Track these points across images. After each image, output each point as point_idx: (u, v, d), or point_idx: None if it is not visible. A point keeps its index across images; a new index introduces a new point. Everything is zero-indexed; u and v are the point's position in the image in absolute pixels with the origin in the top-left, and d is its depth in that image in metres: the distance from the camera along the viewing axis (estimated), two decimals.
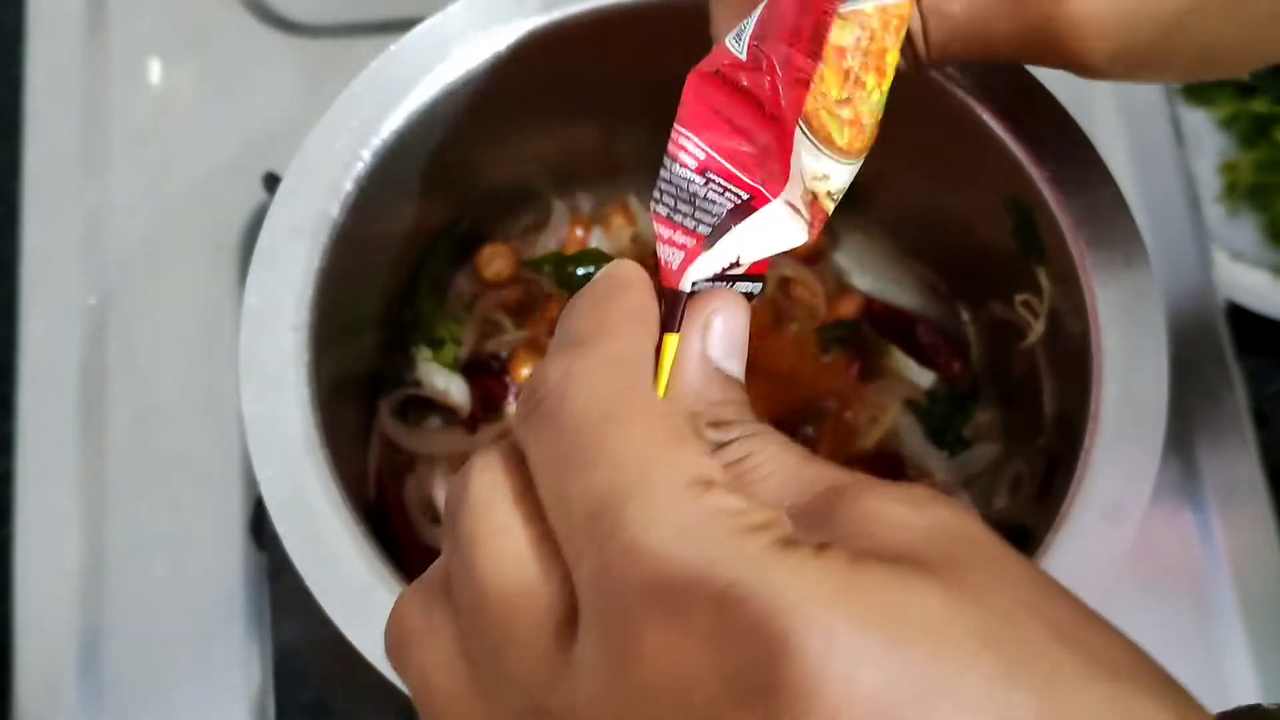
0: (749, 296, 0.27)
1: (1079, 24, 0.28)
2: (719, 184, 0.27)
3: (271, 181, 0.56)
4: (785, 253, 0.28)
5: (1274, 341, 0.60)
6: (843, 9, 0.25)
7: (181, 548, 0.53)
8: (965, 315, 0.52)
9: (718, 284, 0.27)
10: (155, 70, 0.62)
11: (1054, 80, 0.41)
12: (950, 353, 0.52)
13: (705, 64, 0.28)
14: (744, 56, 0.27)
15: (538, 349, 0.51)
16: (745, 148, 0.27)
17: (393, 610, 0.25)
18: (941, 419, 0.51)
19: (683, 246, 0.27)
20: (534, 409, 0.23)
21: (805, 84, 0.25)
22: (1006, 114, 0.41)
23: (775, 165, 0.26)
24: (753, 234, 0.27)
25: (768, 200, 0.27)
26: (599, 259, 0.50)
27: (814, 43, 0.25)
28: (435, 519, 0.50)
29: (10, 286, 0.57)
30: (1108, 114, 0.61)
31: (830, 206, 0.27)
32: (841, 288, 0.53)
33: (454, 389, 0.51)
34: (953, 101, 0.41)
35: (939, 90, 0.41)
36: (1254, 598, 0.53)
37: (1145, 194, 0.59)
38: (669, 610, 0.19)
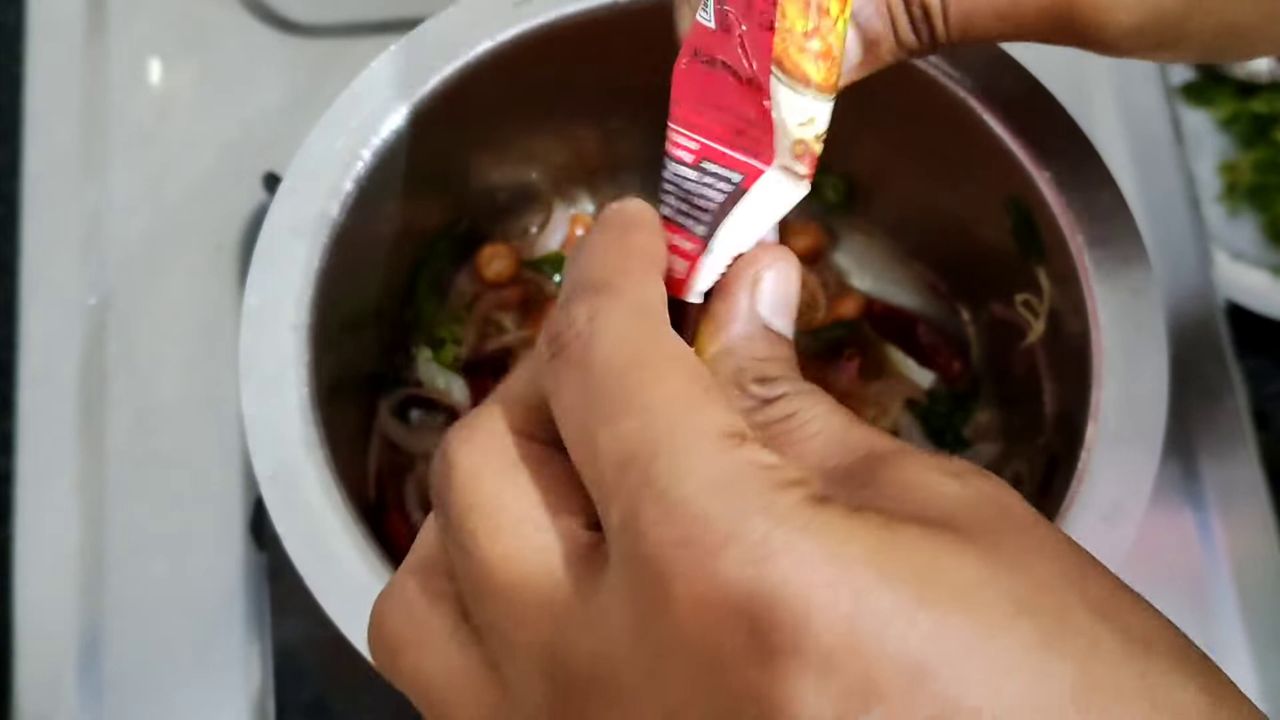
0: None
1: (1104, 5, 0.28)
2: (713, 173, 0.27)
3: (271, 181, 0.56)
4: None
5: (1274, 341, 0.60)
6: None
7: (181, 548, 0.53)
8: (965, 315, 0.52)
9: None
10: (155, 70, 0.62)
11: (1054, 80, 0.41)
12: (950, 353, 0.52)
13: (681, 55, 0.28)
14: (713, 23, 0.27)
15: None
16: (733, 122, 0.27)
17: (371, 619, 0.24)
18: (941, 419, 0.51)
19: (687, 255, 0.27)
20: (558, 352, 0.22)
21: (771, 26, 0.25)
22: (1006, 114, 0.41)
23: (763, 132, 0.26)
24: (746, 219, 0.26)
25: (760, 172, 0.26)
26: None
27: None
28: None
29: (10, 286, 0.57)
30: (1108, 114, 0.61)
31: (819, 147, 0.27)
32: (841, 288, 0.53)
33: (454, 389, 0.51)
34: (953, 101, 0.41)
35: (939, 90, 0.41)
36: (1254, 598, 0.53)
37: (1145, 194, 0.59)
38: (698, 564, 0.19)
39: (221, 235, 0.58)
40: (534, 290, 0.52)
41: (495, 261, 0.52)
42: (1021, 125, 0.41)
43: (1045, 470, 0.44)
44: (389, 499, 0.50)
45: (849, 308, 0.52)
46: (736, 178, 0.27)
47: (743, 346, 0.25)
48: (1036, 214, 0.41)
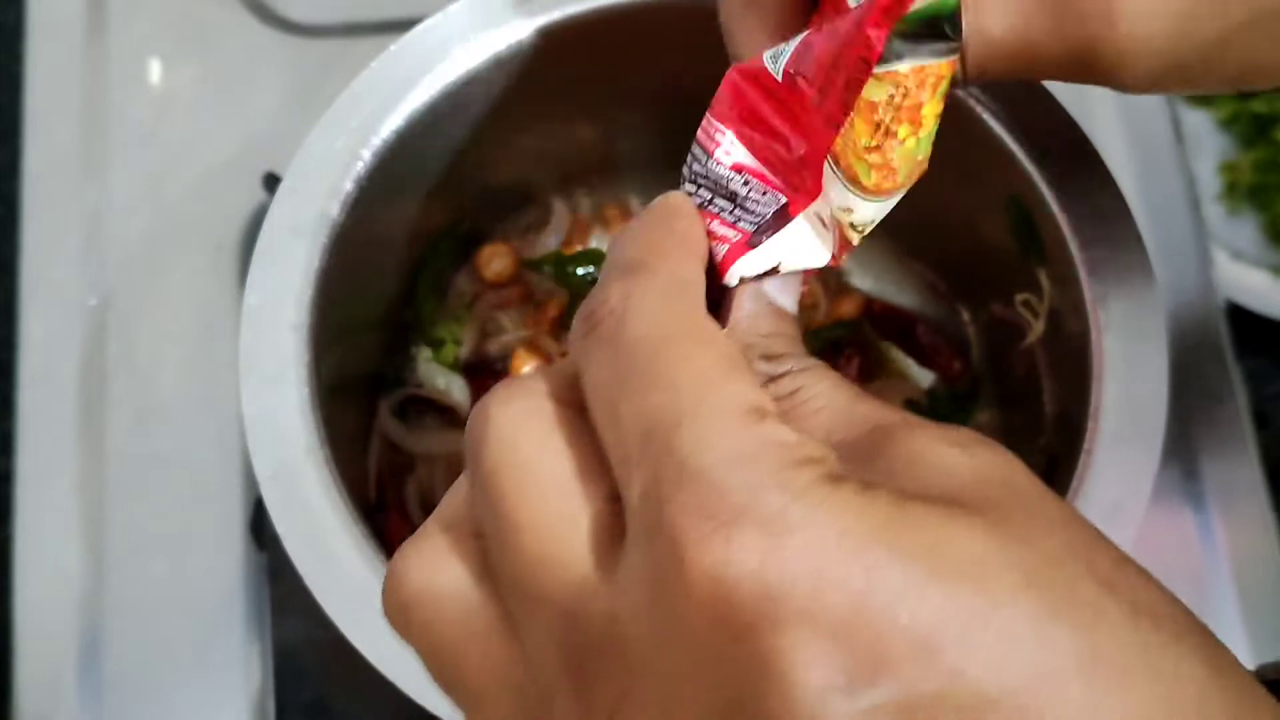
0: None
1: (1125, 48, 0.28)
2: (757, 186, 0.27)
3: (271, 181, 0.56)
4: None
5: (1274, 341, 0.60)
6: (878, 70, 0.24)
7: (181, 548, 0.53)
8: (965, 315, 0.52)
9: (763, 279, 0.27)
10: (155, 70, 0.62)
11: (1054, 81, 0.41)
12: (950, 353, 0.52)
13: (743, 69, 0.28)
14: (779, 78, 0.27)
15: (538, 349, 0.51)
16: (781, 153, 0.27)
17: (389, 573, 0.24)
18: (941, 419, 0.51)
19: (724, 239, 0.27)
20: (591, 330, 0.23)
21: (836, 128, 0.25)
22: (1006, 114, 0.41)
23: (808, 177, 0.26)
24: (789, 241, 0.27)
25: (800, 209, 0.27)
26: (599, 259, 0.50)
27: (847, 96, 0.25)
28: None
29: (10, 286, 0.57)
30: (1108, 114, 0.61)
31: (855, 239, 0.27)
32: (841, 288, 0.53)
33: (454, 389, 0.51)
34: (953, 101, 0.41)
35: None
36: (1254, 598, 0.53)
37: (1145, 194, 0.59)
38: (715, 534, 0.19)
39: (221, 235, 0.58)
40: (533, 290, 0.52)
41: (495, 261, 0.52)
42: (1021, 125, 0.41)
43: (1045, 470, 0.44)
44: (389, 499, 0.50)
45: (849, 308, 0.52)
46: (783, 200, 0.27)
47: (748, 323, 0.26)
48: (1036, 214, 0.41)
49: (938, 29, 0.24)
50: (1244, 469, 0.55)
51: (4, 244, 0.58)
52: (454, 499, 0.25)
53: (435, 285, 0.51)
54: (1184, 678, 0.19)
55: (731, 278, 0.26)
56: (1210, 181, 0.62)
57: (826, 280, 0.53)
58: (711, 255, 0.27)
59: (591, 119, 0.50)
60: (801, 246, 0.27)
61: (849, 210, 0.26)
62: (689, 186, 0.28)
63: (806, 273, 0.27)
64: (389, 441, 0.50)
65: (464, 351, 0.51)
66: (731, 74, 0.28)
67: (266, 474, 0.37)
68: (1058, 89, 0.41)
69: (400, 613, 0.24)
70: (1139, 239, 0.40)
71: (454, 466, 0.50)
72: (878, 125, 0.25)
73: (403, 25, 0.43)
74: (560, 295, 0.52)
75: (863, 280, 0.53)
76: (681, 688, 0.20)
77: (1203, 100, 0.64)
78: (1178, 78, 0.29)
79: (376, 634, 0.35)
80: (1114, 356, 0.39)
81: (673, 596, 0.20)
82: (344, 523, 0.37)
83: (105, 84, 0.61)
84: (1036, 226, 0.41)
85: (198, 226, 0.58)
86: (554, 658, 0.22)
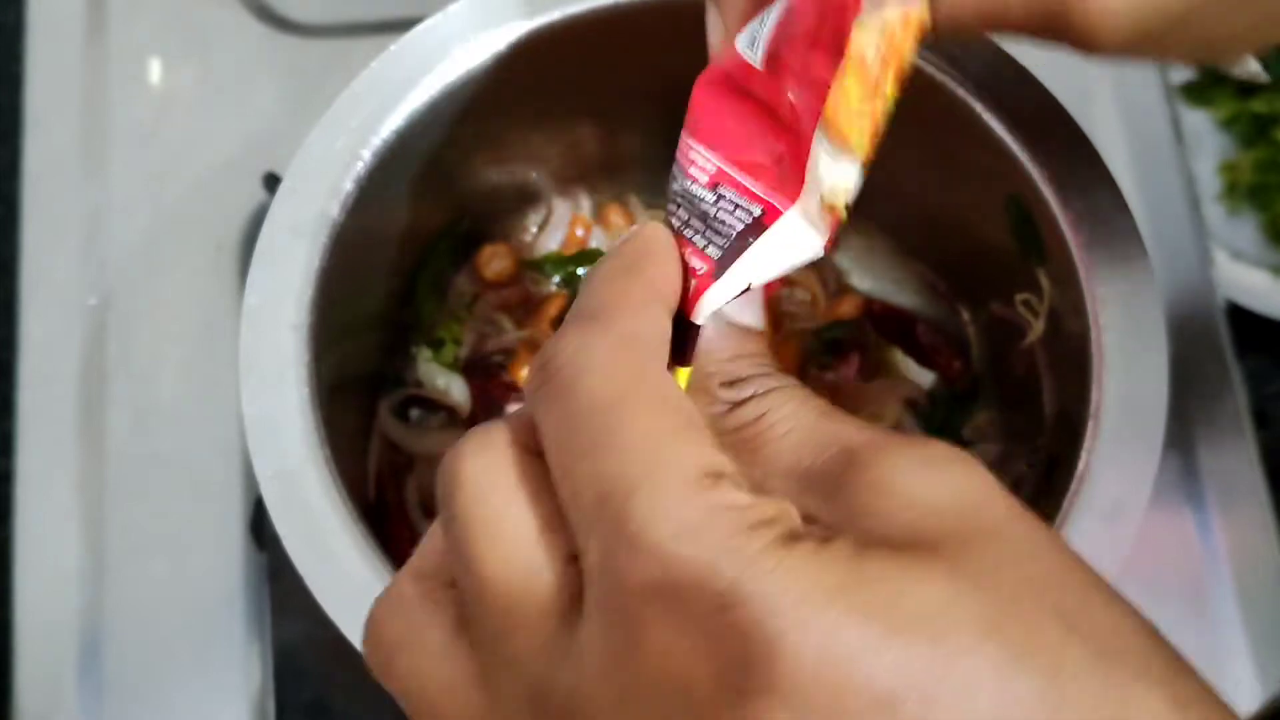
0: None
1: (1092, 7, 0.28)
2: (730, 200, 0.26)
3: (271, 181, 0.56)
4: None
5: (1274, 341, 0.60)
6: (863, 16, 0.24)
7: (181, 548, 0.53)
8: (965, 315, 0.52)
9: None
10: (155, 70, 0.62)
11: (1054, 81, 0.41)
12: (950, 353, 0.52)
13: (711, 71, 0.27)
14: (759, 64, 0.26)
15: (538, 349, 0.51)
16: (758, 156, 0.26)
17: (369, 620, 0.24)
18: (941, 419, 0.51)
19: (694, 272, 0.26)
20: (546, 381, 0.23)
21: (825, 88, 0.25)
22: (1006, 114, 0.41)
23: (790, 175, 0.26)
24: (765, 254, 0.26)
25: (780, 213, 0.26)
26: (599, 259, 0.50)
27: (834, 48, 0.25)
28: (435, 518, 0.50)
29: (10, 286, 0.57)
30: (1108, 114, 0.61)
31: (845, 214, 0.27)
32: (841, 288, 0.53)
33: (454, 389, 0.51)
34: (953, 101, 0.41)
35: (939, 90, 0.41)
36: (1254, 598, 0.53)
37: (1145, 194, 0.59)
38: (670, 608, 0.19)
39: (221, 235, 0.58)
40: (533, 290, 0.52)
41: (495, 261, 0.52)
42: (1021, 125, 0.41)
43: (1045, 470, 0.44)
44: (389, 499, 0.50)
45: (849, 308, 0.52)
46: (757, 210, 0.26)
47: (707, 348, 0.25)
48: (1036, 214, 0.41)
49: None
50: (1244, 469, 0.55)
51: (4, 244, 0.58)
52: (426, 548, 0.25)
53: (435, 285, 0.51)
54: (1149, 715, 0.19)
55: (700, 315, 0.26)
56: (1210, 181, 0.62)
57: (826, 280, 0.53)
58: (686, 290, 0.26)
59: (591, 119, 0.50)
60: (785, 248, 0.26)
61: (843, 183, 0.26)
62: (671, 206, 0.27)
63: (767, 284, 0.27)
64: (389, 441, 0.50)
65: (464, 351, 0.51)
66: (698, 85, 0.27)
67: (266, 474, 0.37)
68: (1057, 89, 0.41)
69: (381, 663, 0.24)
70: (1139, 239, 0.40)
71: None
72: (868, 81, 0.25)
73: (403, 25, 0.43)
74: (560, 295, 0.52)
75: (863, 280, 0.53)
76: None
77: (1203, 100, 0.64)
78: (1145, 38, 0.29)
79: None
80: (1114, 356, 0.39)
81: (630, 669, 0.20)
82: (344, 523, 0.37)
83: (105, 84, 0.61)
84: (1036, 226, 0.41)
85: (198, 226, 0.58)
86: (525, 715, 0.22)
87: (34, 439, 0.55)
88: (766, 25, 0.27)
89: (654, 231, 0.26)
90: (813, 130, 0.26)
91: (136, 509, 0.54)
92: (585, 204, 0.54)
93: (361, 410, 0.50)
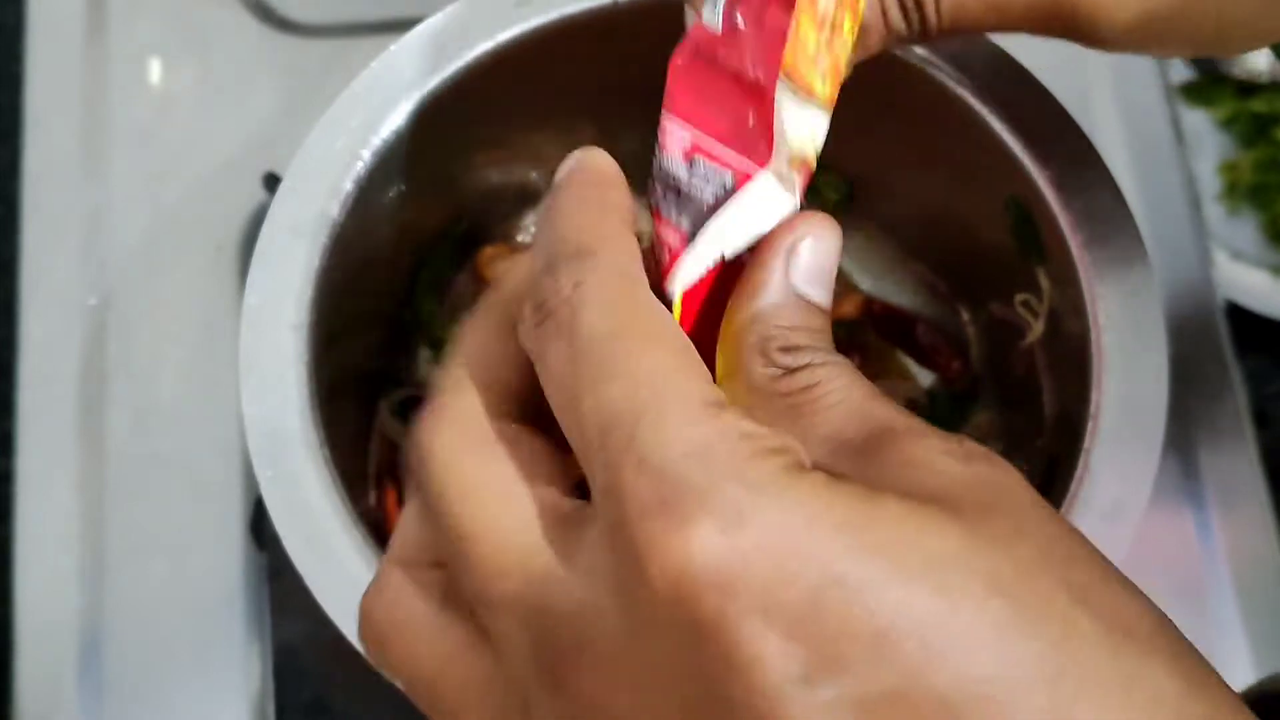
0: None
1: (1097, 2, 0.28)
2: (704, 168, 0.26)
3: (271, 181, 0.56)
4: None
5: (1274, 341, 0.60)
6: None
7: (181, 548, 0.53)
8: (965, 315, 0.52)
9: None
10: (155, 70, 0.62)
11: (1054, 81, 0.41)
12: (950, 353, 0.52)
13: (682, 46, 0.28)
14: (719, 28, 0.27)
15: None
16: (730, 124, 0.26)
17: (360, 614, 0.25)
18: (941, 419, 0.51)
19: (669, 247, 0.27)
20: (543, 320, 0.23)
21: (782, 38, 0.25)
22: (1006, 114, 0.41)
23: (760, 138, 0.26)
24: (737, 218, 0.26)
25: (750, 176, 0.26)
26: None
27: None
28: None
29: (10, 286, 0.57)
30: (1108, 114, 0.61)
31: (814, 163, 0.27)
32: (842, 288, 0.53)
33: None
34: (953, 101, 0.41)
35: (939, 90, 0.41)
36: (1254, 598, 0.53)
37: (1145, 194, 0.59)
38: (674, 530, 0.19)
39: (221, 235, 0.58)
40: None
41: (495, 261, 0.52)
42: (1021, 125, 0.41)
43: (1045, 470, 0.44)
44: (389, 499, 0.50)
45: (849, 308, 0.52)
46: (729, 178, 0.26)
47: (772, 314, 0.25)
48: (1036, 214, 0.41)
49: None
50: (1244, 469, 0.55)
51: (4, 244, 0.58)
52: (402, 536, 0.25)
53: (435, 285, 0.51)
54: (1158, 693, 0.19)
55: (672, 289, 0.26)
56: (1210, 181, 0.62)
57: None
58: (660, 263, 0.26)
59: (591, 119, 0.50)
60: (757, 212, 0.26)
61: (811, 133, 0.26)
62: (650, 183, 0.28)
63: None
64: (389, 441, 0.50)
65: None
66: (671, 61, 0.28)
67: (266, 474, 0.37)
68: (1057, 89, 0.41)
69: (376, 651, 0.24)
70: (1139, 239, 0.40)
71: None
72: (823, 20, 0.25)
73: (403, 25, 0.43)
74: None
75: (863, 280, 0.53)
76: (652, 679, 0.20)
77: (1203, 100, 0.64)
78: (1149, 32, 0.29)
79: None
80: (1114, 356, 0.39)
81: (636, 593, 0.20)
82: (344, 523, 0.37)
83: (105, 84, 0.61)
84: (1036, 226, 0.41)
85: (198, 226, 0.58)
86: (528, 658, 0.22)
87: (34, 439, 0.55)
88: None
89: (597, 156, 0.26)
90: (774, 81, 0.25)
91: (136, 509, 0.54)
92: None
93: (361, 410, 0.50)
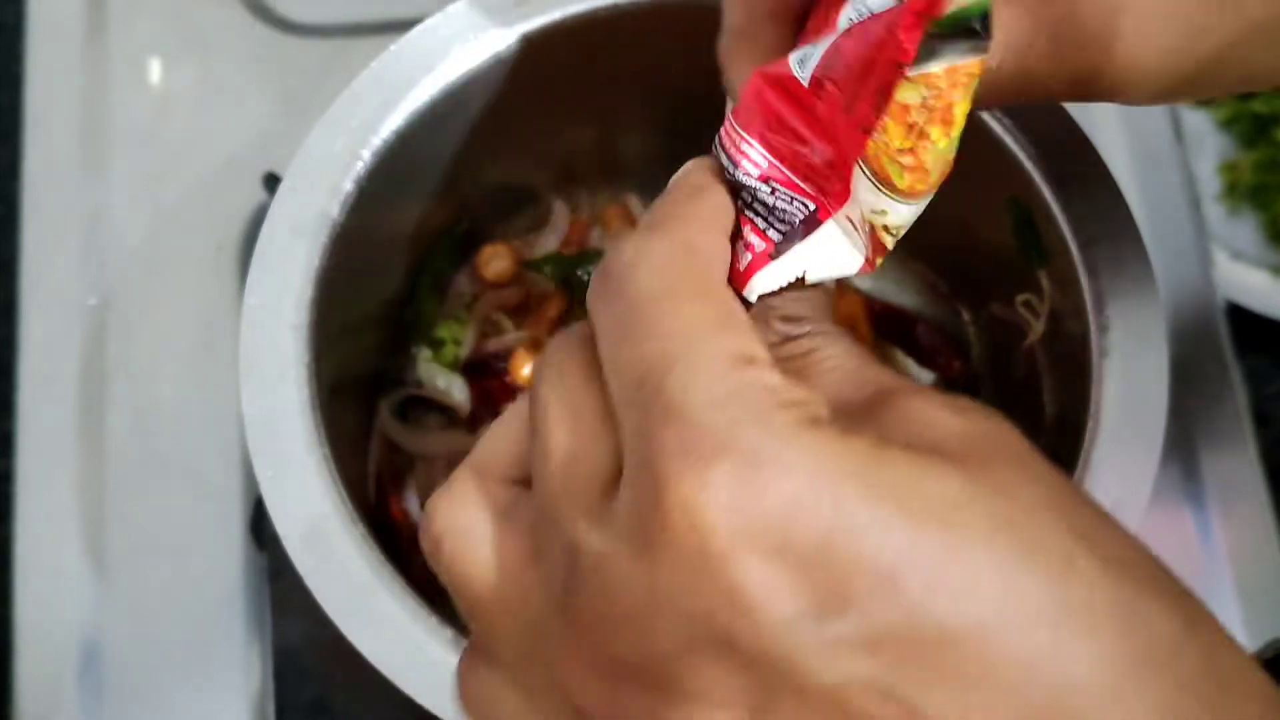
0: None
1: (1126, 73, 0.28)
2: (784, 194, 0.27)
3: (271, 181, 0.56)
4: None
5: (1274, 341, 0.60)
6: (910, 73, 0.24)
7: (181, 548, 0.53)
8: (965, 315, 0.52)
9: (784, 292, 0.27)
10: (155, 70, 0.62)
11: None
12: (950, 353, 0.52)
13: (768, 69, 0.28)
14: (805, 83, 0.27)
15: (538, 349, 0.51)
16: (807, 158, 0.27)
17: (425, 511, 0.26)
18: None
19: (751, 247, 0.27)
20: (603, 281, 0.24)
21: (867, 132, 0.25)
22: (1007, 114, 0.41)
23: (836, 181, 0.26)
24: (818, 248, 0.27)
25: (830, 214, 0.27)
26: (599, 259, 0.50)
27: (879, 100, 0.25)
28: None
29: (10, 286, 0.57)
30: (1108, 114, 0.61)
31: (890, 242, 0.27)
32: (842, 288, 0.53)
33: (454, 389, 0.51)
34: None
35: None
36: (1254, 598, 0.53)
37: (1145, 194, 0.59)
38: (692, 469, 0.20)
39: (221, 235, 0.58)
40: (533, 290, 0.52)
41: (495, 261, 0.52)
42: (1021, 125, 0.41)
43: None
44: (389, 499, 0.50)
45: (849, 308, 0.52)
46: (811, 206, 0.27)
47: None
48: (1036, 214, 0.41)
49: (968, 27, 0.24)
50: (1244, 469, 0.55)
51: (4, 244, 0.58)
52: (488, 447, 0.26)
53: (435, 285, 0.51)
54: (1156, 630, 0.20)
55: (750, 293, 0.27)
56: (1210, 181, 0.62)
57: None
58: (735, 264, 0.27)
59: (591, 119, 0.50)
60: (831, 253, 0.27)
61: (883, 213, 0.27)
62: (738, 188, 0.28)
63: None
64: (389, 441, 0.50)
65: (464, 351, 0.51)
66: (755, 78, 0.28)
67: (266, 474, 0.37)
68: None
69: (432, 547, 0.25)
70: (1139, 239, 0.40)
71: (453, 467, 0.50)
72: (911, 127, 0.25)
73: (403, 25, 0.43)
74: (560, 295, 0.52)
75: (863, 280, 0.53)
76: (659, 615, 0.21)
77: (1203, 100, 0.64)
78: (1179, 91, 0.30)
79: (376, 634, 0.35)
80: (1114, 356, 0.39)
81: (652, 528, 0.21)
82: (344, 523, 0.37)
83: (105, 84, 0.61)
84: (1036, 226, 0.41)
85: (198, 226, 0.58)
86: (556, 588, 0.23)
87: (34, 439, 0.55)
88: (816, 53, 0.27)
89: (702, 174, 0.28)
90: (855, 159, 0.26)
91: (136, 509, 0.54)
92: (585, 204, 0.54)
93: (361, 410, 0.50)
